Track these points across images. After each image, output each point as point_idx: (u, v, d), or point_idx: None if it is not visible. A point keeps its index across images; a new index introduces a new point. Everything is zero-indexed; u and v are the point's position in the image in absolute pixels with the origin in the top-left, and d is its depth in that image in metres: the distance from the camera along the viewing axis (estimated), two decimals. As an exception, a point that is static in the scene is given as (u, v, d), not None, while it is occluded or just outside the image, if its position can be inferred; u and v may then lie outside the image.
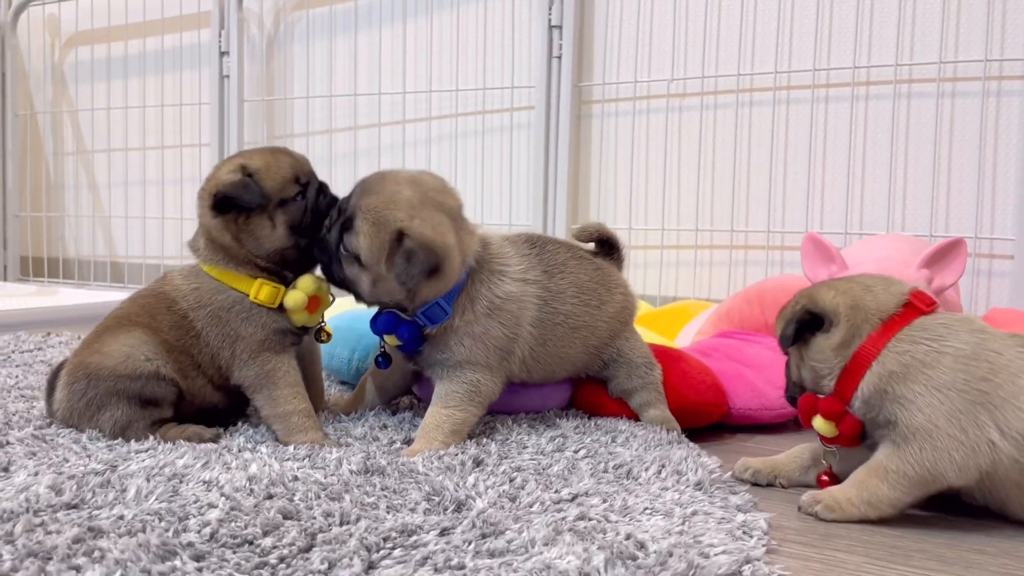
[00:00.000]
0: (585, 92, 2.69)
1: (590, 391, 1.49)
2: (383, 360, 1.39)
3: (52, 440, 1.26)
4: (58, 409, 1.33)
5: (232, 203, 1.29)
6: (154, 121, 3.43)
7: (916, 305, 1.13)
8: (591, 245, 1.50)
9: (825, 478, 1.19)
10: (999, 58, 2.16)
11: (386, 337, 1.34)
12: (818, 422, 1.15)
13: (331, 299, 1.37)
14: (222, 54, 3.14)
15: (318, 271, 1.36)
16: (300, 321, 1.33)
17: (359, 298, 1.33)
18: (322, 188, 1.36)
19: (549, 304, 1.37)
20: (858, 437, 1.13)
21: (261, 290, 1.30)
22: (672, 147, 2.57)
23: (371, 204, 1.26)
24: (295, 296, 1.31)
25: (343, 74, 3.06)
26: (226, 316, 1.31)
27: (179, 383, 1.32)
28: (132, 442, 1.25)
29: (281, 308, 1.32)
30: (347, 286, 1.32)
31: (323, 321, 1.40)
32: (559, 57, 2.63)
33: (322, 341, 1.42)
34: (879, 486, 1.08)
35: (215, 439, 1.29)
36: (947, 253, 1.63)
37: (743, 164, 2.48)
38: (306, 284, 1.32)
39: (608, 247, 1.49)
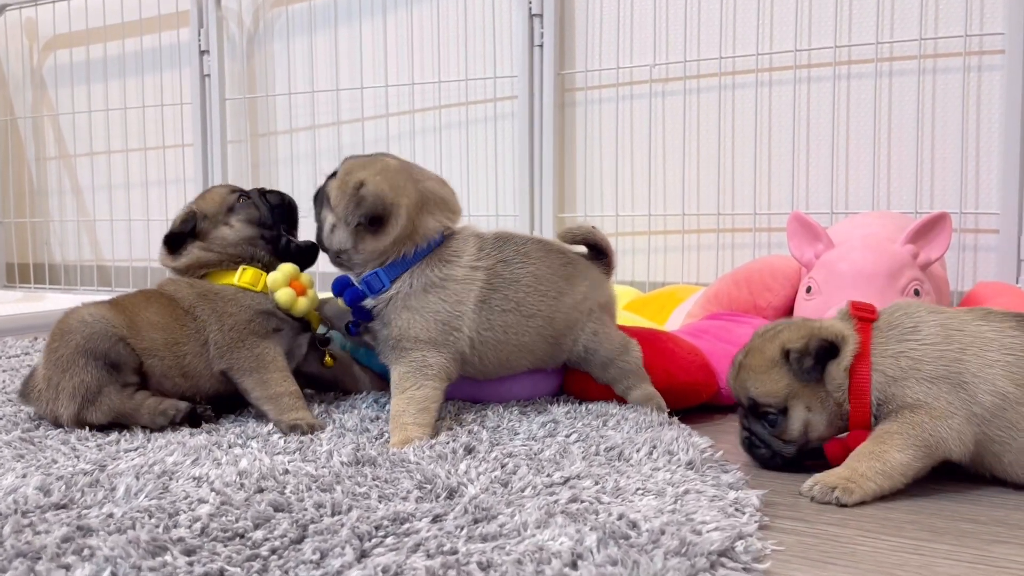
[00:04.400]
0: (568, 80, 2.68)
1: (578, 377, 1.49)
2: (353, 327, 1.41)
3: (40, 442, 1.25)
4: (38, 395, 1.35)
5: (179, 237, 1.45)
6: (136, 123, 3.41)
7: (861, 313, 1.16)
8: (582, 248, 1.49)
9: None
10: (979, 33, 2.16)
11: (340, 302, 1.41)
12: None
13: (314, 289, 1.46)
14: (202, 53, 3.12)
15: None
16: (284, 302, 1.40)
17: (322, 245, 1.43)
18: (263, 191, 1.53)
19: (499, 290, 1.37)
20: None
21: (244, 273, 1.43)
22: (656, 132, 2.57)
23: (355, 162, 1.40)
24: (275, 276, 1.42)
25: (324, 69, 3.04)
26: (217, 300, 1.41)
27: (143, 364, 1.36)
28: (122, 441, 1.25)
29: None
30: (319, 231, 1.42)
31: (325, 335, 1.52)
32: (541, 45, 2.63)
33: (325, 366, 1.53)
34: (889, 452, 1.07)
35: (191, 414, 1.34)
36: (932, 227, 1.63)
37: (727, 147, 2.48)
38: (286, 267, 1.44)
39: (597, 252, 1.48)
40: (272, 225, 1.48)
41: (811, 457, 1.18)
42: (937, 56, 2.23)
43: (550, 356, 1.44)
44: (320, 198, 1.42)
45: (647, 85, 2.56)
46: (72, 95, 3.53)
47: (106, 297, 1.48)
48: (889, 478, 1.07)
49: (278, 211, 1.50)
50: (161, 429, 1.32)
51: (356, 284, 1.37)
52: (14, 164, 3.66)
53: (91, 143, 3.52)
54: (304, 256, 1.49)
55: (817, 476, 1.09)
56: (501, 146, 2.78)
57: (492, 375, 1.43)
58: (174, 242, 1.46)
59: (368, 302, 1.35)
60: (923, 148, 2.25)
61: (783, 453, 1.17)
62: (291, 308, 1.40)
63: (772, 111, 2.42)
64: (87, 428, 1.31)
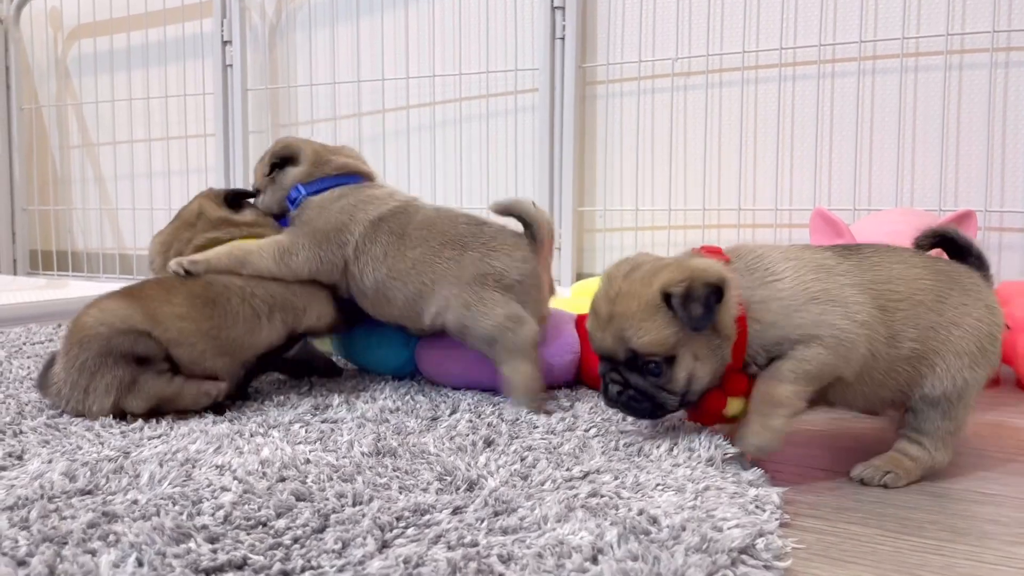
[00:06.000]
0: (589, 73, 2.67)
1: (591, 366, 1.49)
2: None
3: (65, 428, 1.26)
4: (57, 389, 1.34)
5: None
6: (159, 112, 3.43)
7: (717, 256, 1.13)
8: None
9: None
10: (1007, 29, 2.14)
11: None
12: (734, 405, 1.12)
13: None
14: (225, 43, 3.13)
15: None
16: None
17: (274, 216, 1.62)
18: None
19: (390, 224, 1.51)
20: None
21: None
22: (678, 126, 2.55)
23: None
24: None
25: (346, 61, 3.05)
26: None
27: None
28: (145, 429, 1.26)
29: None
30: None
31: None
32: (562, 38, 2.62)
33: None
34: (778, 388, 1.07)
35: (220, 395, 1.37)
36: (957, 225, 1.62)
37: (749, 142, 2.46)
38: None
39: (527, 226, 1.49)
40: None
41: (685, 406, 1.14)
42: (964, 52, 2.20)
43: (409, 317, 1.51)
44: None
45: (669, 79, 2.55)
46: (96, 84, 3.55)
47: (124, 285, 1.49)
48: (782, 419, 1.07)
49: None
50: (204, 410, 1.35)
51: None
52: (38, 152, 3.69)
53: (114, 132, 3.55)
54: None
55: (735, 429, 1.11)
56: (521, 139, 2.78)
57: (369, 306, 1.53)
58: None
59: (292, 213, 1.57)
60: (948, 145, 2.23)
61: (668, 405, 1.10)
62: None
63: (795, 106, 2.41)
64: (124, 417, 1.32)
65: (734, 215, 2.48)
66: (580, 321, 1.56)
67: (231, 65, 3.14)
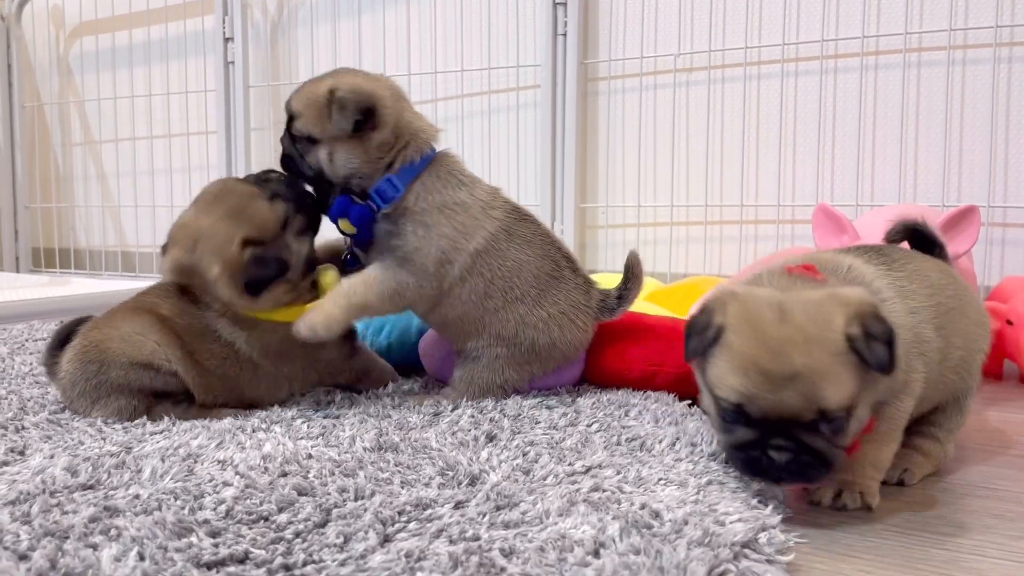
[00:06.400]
0: (591, 69, 2.67)
1: (595, 365, 1.49)
2: (351, 259, 1.42)
3: (67, 424, 1.26)
4: (64, 383, 1.33)
5: (261, 282, 1.32)
6: (160, 109, 3.43)
7: (808, 272, 1.06)
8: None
9: None
10: (1010, 24, 2.13)
11: (342, 224, 1.38)
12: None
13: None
14: (226, 40, 3.13)
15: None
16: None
17: (329, 187, 1.39)
18: (286, 180, 1.40)
19: (494, 255, 1.37)
20: None
21: (277, 314, 1.35)
22: (680, 122, 2.55)
23: (300, 91, 1.38)
24: (326, 280, 1.38)
25: (348, 57, 3.05)
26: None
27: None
28: (147, 424, 1.26)
29: None
30: (318, 182, 1.39)
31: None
32: (564, 34, 2.61)
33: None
34: (887, 444, 1.04)
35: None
36: (960, 220, 1.62)
37: (752, 138, 2.46)
38: (328, 281, 1.38)
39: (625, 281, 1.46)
40: (316, 225, 1.40)
41: None
42: (967, 47, 2.19)
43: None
44: (291, 155, 1.40)
45: (671, 75, 2.55)
46: (98, 82, 3.55)
47: (130, 284, 1.47)
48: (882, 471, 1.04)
49: (312, 203, 1.40)
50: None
51: (356, 201, 1.36)
52: (40, 150, 3.70)
53: (116, 129, 3.55)
54: (320, 211, 1.43)
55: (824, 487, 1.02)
56: (524, 135, 2.78)
57: (434, 327, 1.45)
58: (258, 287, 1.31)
59: (384, 211, 1.35)
60: (951, 140, 2.22)
61: (837, 462, 0.93)
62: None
63: (798, 101, 2.40)
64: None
65: (737, 211, 2.48)
66: None
67: (233, 62, 3.13)
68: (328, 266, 1.41)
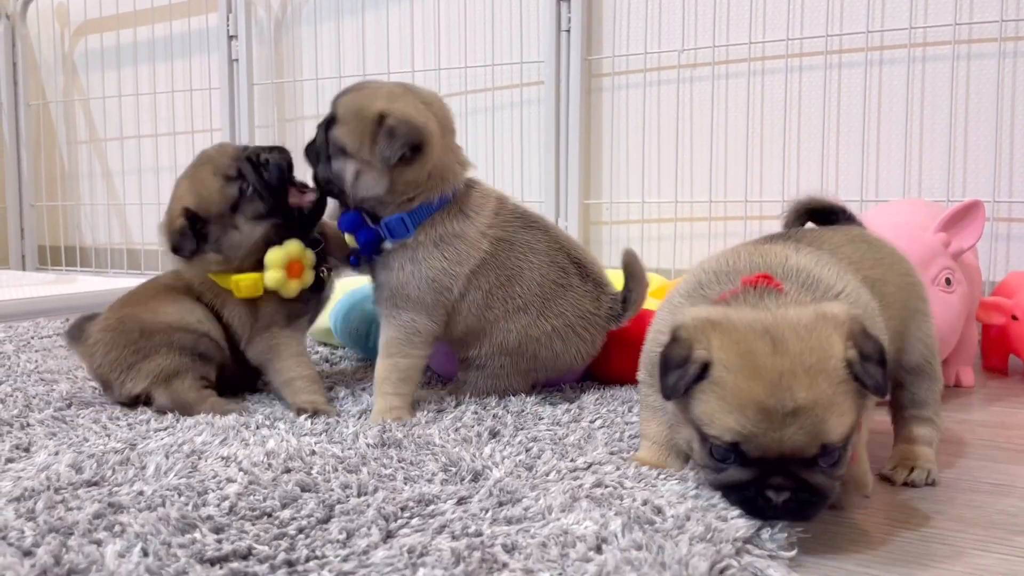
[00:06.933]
0: (595, 65, 2.66)
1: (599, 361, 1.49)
2: (354, 258, 1.40)
3: (72, 421, 1.27)
4: (95, 349, 1.37)
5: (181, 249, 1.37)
6: (165, 107, 3.43)
7: (765, 282, 1.00)
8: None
9: None
10: (1015, 18, 2.12)
11: (347, 239, 1.37)
12: None
13: (311, 270, 1.40)
14: (230, 38, 3.13)
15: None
16: (293, 292, 1.38)
17: (343, 199, 1.35)
18: (259, 162, 1.37)
19: (495, 267, 1.36)
20: None
21: (240, 287, 1.36)
22: (684, 118, 2.54)
23: (352, 98, 1.32)
24: (272, 276, 1.35)
25: (352, 55, 3.05)
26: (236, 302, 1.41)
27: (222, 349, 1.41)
28: (152, 422, 1.26)
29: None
30: (333, 188, 1.35)
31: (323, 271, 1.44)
32: (568, 30, 2.61)
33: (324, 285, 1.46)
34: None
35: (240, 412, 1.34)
36: (964, 215, 1.61)
37: (756, 133, 2.45)
38: (275, 259, 1.35)
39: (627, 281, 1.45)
40: (280, 210, 1.37)
41: None
42: (972, 42, 2.18)
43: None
44: (318, 150, 1.34)
45: (675, 71, 2.54)
46: (103, 80, 3.56)
47: (136, 282, 1.50)
48: None
49: (280, 188, 1.37)
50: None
51: (367, 222, 1.33)
52: (46, 148, 3.71)
53: (121, 127, 3.55)
54: (314, 217, 1.40)
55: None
56: (527, 132, 2.77)
57: (453, 341, 1.42)
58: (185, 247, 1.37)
59: (387, 245, 1.33)
60: (956, 135, 2.22)
61: (833, 495, 0.87)
62: (280, 290, 1.36)
63: (802, 97, 2.39)
64: (137, 404, 1.35)
65: (741, 207, 2.47)
66: None
67: (237, 60, 3.13)
68: (291, 241, 1.37)
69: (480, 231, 1.36)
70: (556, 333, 1.38)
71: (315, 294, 1.45)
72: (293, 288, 1.37)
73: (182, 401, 1.33)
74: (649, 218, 2.62)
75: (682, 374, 0.87)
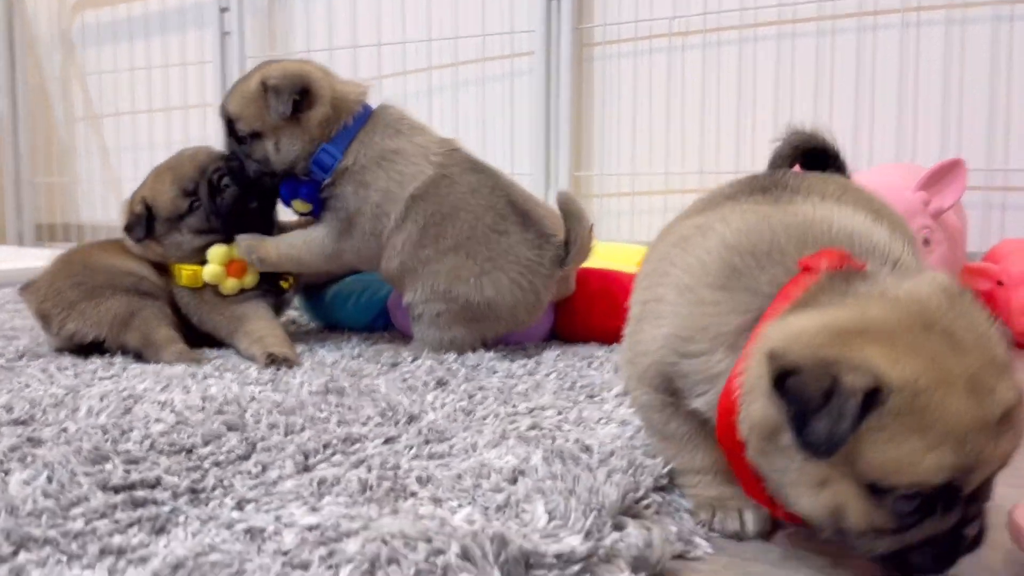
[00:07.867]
0: (586, 34, 2.62)
1: (565, 320, 1.46)
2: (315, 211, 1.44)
3: (20, 370, 1.25)
4: (39, 285, 1.40)
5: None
6: (160, 82, 3.42)
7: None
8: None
9: None
10: (1011, -21, 2.06)
11: (296, 205, 1.42)
12: None
13: (252, 274, 1.45)
14: (222, 11, 3.11)
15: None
16: (230, 290, 1.42)
17: (273, 177, 1.41)
18: (218, 186, 1.44)
19: (431, 201, 1.36)
20: None
21: (181, 275, 1.43)
22: (675, 88, 2.50)
23: (233, 93, 1.42)
24: (212, 270, 1.41)
25: (343, 26, 3.02)
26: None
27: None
28: (98, 370, 1.25)
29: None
30: (266, 179, 1.41)
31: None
32: (558, -1, 2.57)
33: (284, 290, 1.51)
34: None
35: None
36: (945, 174, 1.57)
37: (747, 103, 2.40)
38: (217, 255, 1.42)
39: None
40: (222, 229, 1.44)
41: None
42: (967, 6, 2.13)
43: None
44: (238, 156, 1.42)
45: (666, 39, 2.49)
46: (99, 56, 3.55)
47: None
48: None
49: (230, 217, 1.44)
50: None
51: (301, 179, 1.40)
52: (44, 125, 3.71)
53: (116, 103, 3.55)
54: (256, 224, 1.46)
55: None
56: (518, 103, 2.74)
57: (392, 278, 1.44)
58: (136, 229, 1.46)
59: (326, 181, 1.37)
60: (950, 102, 2.16)
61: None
62: (219, 285, 1.42)
63: (794, 65, 2.34)
64: (75, 350, 1.36)
65: (732, 177, 2.42)
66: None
67: (229, 32, 3.12)
68: (243, 237, 1.43)
69: (422, 152, 1.38)
70: (487, 278, 1.35)
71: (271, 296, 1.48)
72: (231, 286, 1.42)
73: (149, 340, 1.34)
74: (639, 190, 2.57)
75: (839, 414, 0.62)
